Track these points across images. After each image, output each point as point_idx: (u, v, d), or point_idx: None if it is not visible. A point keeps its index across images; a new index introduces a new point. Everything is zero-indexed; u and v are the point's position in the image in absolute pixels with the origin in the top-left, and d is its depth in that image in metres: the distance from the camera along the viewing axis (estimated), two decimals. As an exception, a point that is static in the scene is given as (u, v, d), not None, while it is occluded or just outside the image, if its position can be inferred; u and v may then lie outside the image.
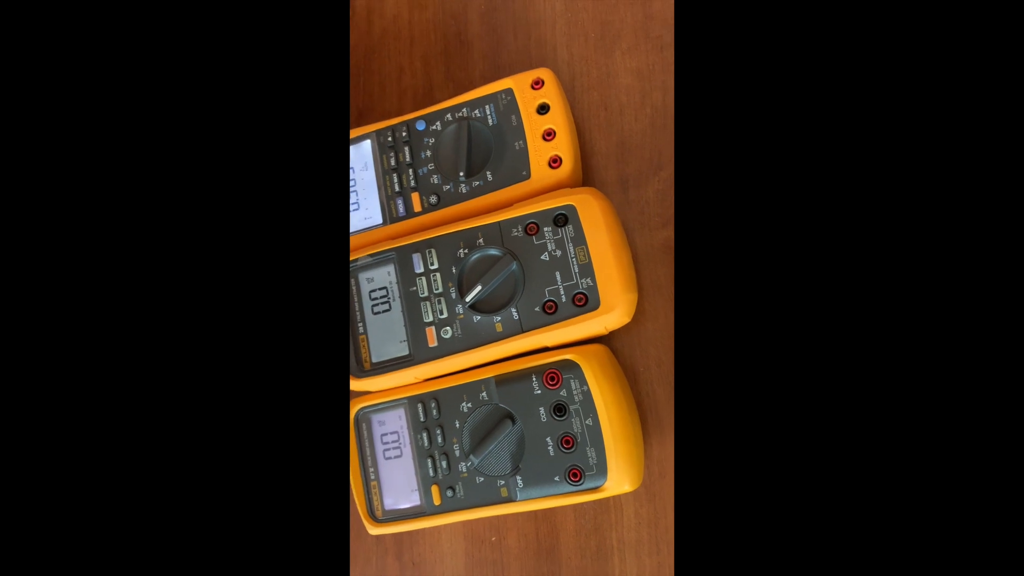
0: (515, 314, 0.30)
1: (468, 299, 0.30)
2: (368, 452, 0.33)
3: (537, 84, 0.32)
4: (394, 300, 0.33)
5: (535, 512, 0.33)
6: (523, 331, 0.30)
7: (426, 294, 0.32)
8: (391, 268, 0.33)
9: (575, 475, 0.28)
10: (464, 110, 0.33)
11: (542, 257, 0.30)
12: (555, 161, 0.31)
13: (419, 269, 0.32)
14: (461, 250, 0.31)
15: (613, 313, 0.28)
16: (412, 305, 0.32)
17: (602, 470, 0.28)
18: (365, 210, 0.34)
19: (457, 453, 0.31)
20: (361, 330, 0.33)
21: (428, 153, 0.33)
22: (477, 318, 0.30)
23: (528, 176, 0.31)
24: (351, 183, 0.35)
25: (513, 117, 0.32)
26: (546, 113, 0.32)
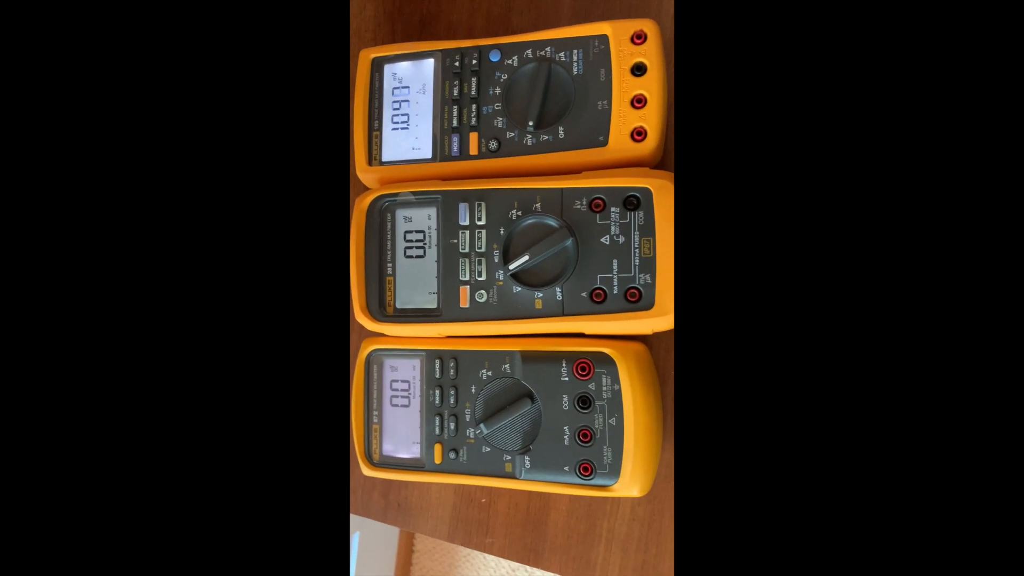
0: (559, 294, 0.28)
1: (512, 267, 0.28)
2: (375, 394, 0.32)
3: (638, 38, 0.28)
4: (430, 247, 0.30)
5: (531, 485, 0.33)
6: (563, 314, 0.28)
7: (467, 250, 0.29)
8: (433, 212, 0.30)
9: (586, 469, 0.28)
10: (548, 49, 0.29)
11: (602, 239, 0.27)
12: (639, 133, 0.28)
13: (464, 221, 0.29)
14: (514, 211, 0.28)
15: (665, 318, 0.26)
16: (449, 258, 0.29)
17: (615, 471, 0.27)
18: (415, 139, 0.31)
19: (467, 418, 0.30)
20: (389, 271, 0.31)
21: (497, 90, 0.30)
22: (517, 289, 0.28)
23: (604, 143, 0.28)
24: (404, 103, 0.31)
25: (603, 71, 0.28)
26: (641, 75, 0.28)
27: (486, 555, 0.96)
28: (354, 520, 0.82)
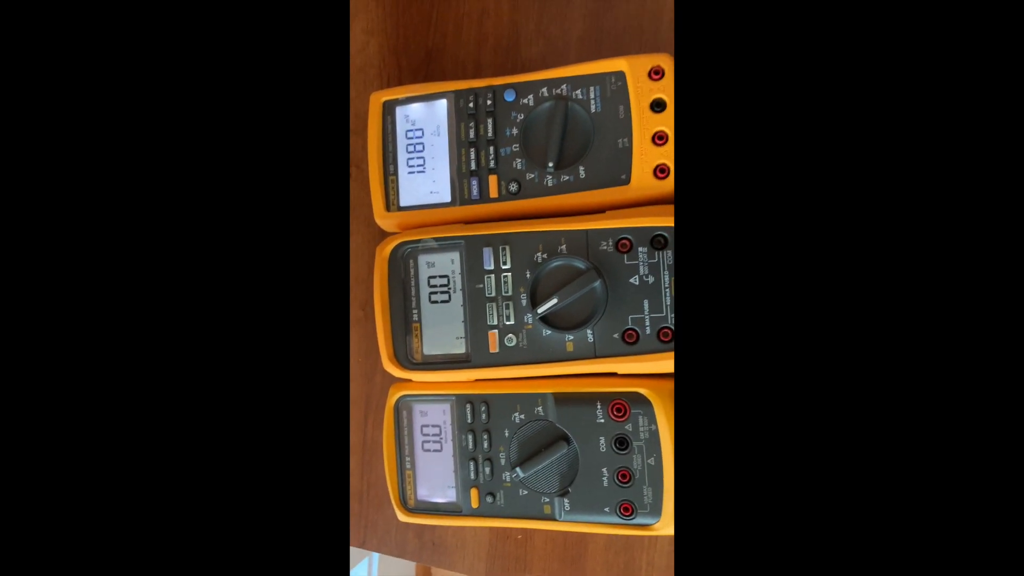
0: (590, 336, 0.28)
1: (540, 310, 0.28)
2: (406, 440, 0.31)
3: (656, 73, 0.27)
4: (455, 292, 0.30)
5: (567, 520, 0.33)
6: (596, 356, 0.27)
7: (493, 295, 0.29)
8: (456, 256, 0.30)
9: (627, 510, 0.28)
10: (564, 87, 0.29)
11: (631, 280, 0.27)
12: (662, 171, 0.27)
13: (489, 266, 0.29)
14: (540, 254, 0.28)
15: (700, 357, 0.26)
16: (476, 303, 0.29)
17: (656, 510, 0.27)
18: (433, 183, 0.31)
19: (502, 462, 0.29)
20: (415, 317, 0.30)
21: (515, 131, 0.29)
22: (547, 332, 0.28)
23: (627, 181, 0.28)
24: (419, 145, 0.31)
25: (621, 108, 0.28)
26: (661, 111, 0.27)
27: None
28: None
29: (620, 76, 0.28)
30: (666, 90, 0.27)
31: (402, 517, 0.31)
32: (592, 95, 0.28)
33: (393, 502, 0.31)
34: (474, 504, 0.30)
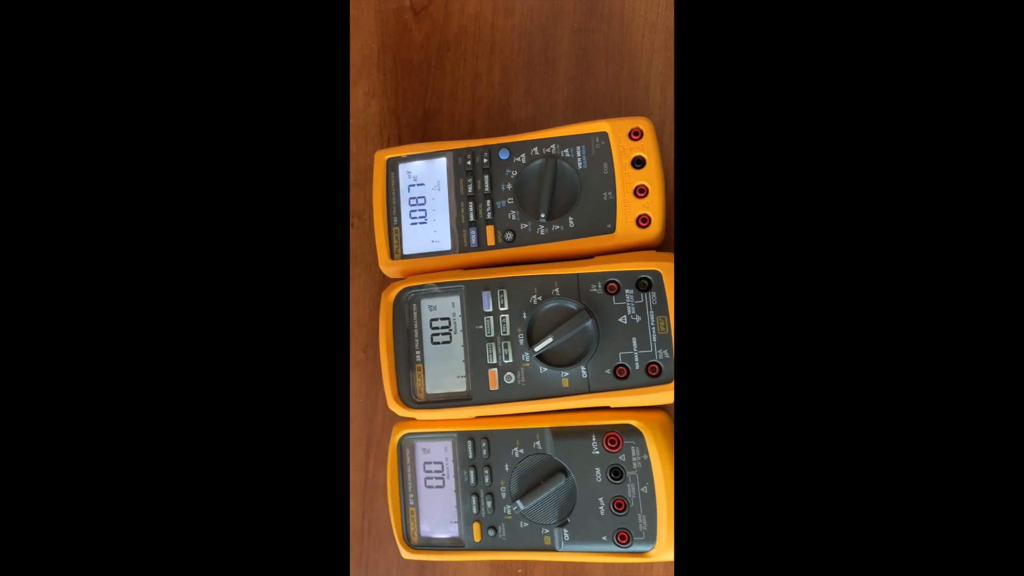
0: (584, 372, 0.30)
1: (537, 349, 0.30)
2: (409, 477, 0.33)
3: (635, 134, 0.31)
4: (456, 333, 0.32)
5: (565, 553, 0.34)
6: (590, 391, 0.29)
7: (492, 335, 0.31)
8: (456, 300, 0.32)
9: (623, 538, 0.29)
10: (553, 147, 0.32)
11: (620, 319, 0.29)
12: (644, 220, 0.30)
13: (488, 308, 0.31)
14: (535, 296, 0.31)
15: (685, 389, 0.28)
16: (476, 344, 0.31)
17: (651, 537, 0.29)
18: (434, 232, 0.33)
19: (503, 495, 0.31)
20: (418, 359, 0.32)
21: (509, 186, 0.32)
22: (543, 369, 0.30)
23: (612, 230, 0.31)
24: (420, 199, 0.33)
25: (605, 165, 0.31)
26: (641, 168, 0.31)
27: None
28: None
29: (603, 136, 0.31)
30: (645, 148, 0.31)
31: (406, 554, 0.32)
32: (579, 153, 0.31)
33: (397, 539, 0.32)
34: (477, 538, 0.31)
